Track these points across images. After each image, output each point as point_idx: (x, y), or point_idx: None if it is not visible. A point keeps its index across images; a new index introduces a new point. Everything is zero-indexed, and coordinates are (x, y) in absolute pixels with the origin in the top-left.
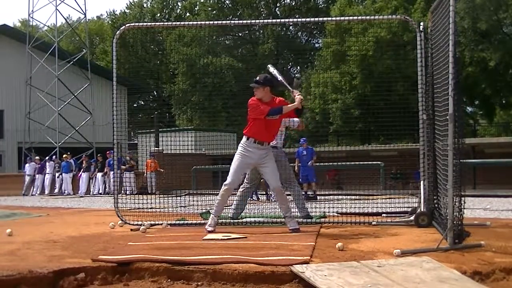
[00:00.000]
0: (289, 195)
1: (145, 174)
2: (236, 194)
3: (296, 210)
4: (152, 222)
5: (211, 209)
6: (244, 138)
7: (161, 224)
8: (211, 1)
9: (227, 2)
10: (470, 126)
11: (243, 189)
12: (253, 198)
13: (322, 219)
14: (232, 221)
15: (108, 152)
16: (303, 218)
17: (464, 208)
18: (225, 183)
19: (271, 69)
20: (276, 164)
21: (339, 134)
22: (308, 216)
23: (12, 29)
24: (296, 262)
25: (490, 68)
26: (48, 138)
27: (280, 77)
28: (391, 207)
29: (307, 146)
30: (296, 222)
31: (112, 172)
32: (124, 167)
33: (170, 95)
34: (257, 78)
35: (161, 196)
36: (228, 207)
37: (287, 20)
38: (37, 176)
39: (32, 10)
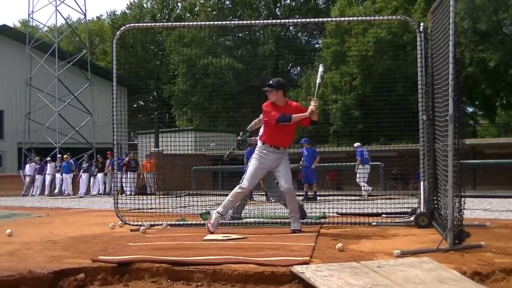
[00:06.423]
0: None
1: (142, 176)
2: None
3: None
4: (152, 223)
5: (211, 209)
6: (259, 143)
7: (161, 225)
8: (211, 2)
9: (227, 2)
10: (470, 127)
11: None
12: (252, 198)
13: (322, 220)
14: (232, 221)
15: (108, 152)
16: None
17: (464, 209)
18: (241, 185)
19: (321, 68)
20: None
21: (339, 135)
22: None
23: (12, 30)
24: (296, 263)
25: (490, 69)
26: (48, 139)
27: (318, 81)
28: (391, 208)
29: (310, 146)
30: (300, 223)
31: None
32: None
33: (170, 95)
34: (270, 81)
35: (161, 196)
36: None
37: (287, 20)
38: (37, 176)
39: (32, 11)
